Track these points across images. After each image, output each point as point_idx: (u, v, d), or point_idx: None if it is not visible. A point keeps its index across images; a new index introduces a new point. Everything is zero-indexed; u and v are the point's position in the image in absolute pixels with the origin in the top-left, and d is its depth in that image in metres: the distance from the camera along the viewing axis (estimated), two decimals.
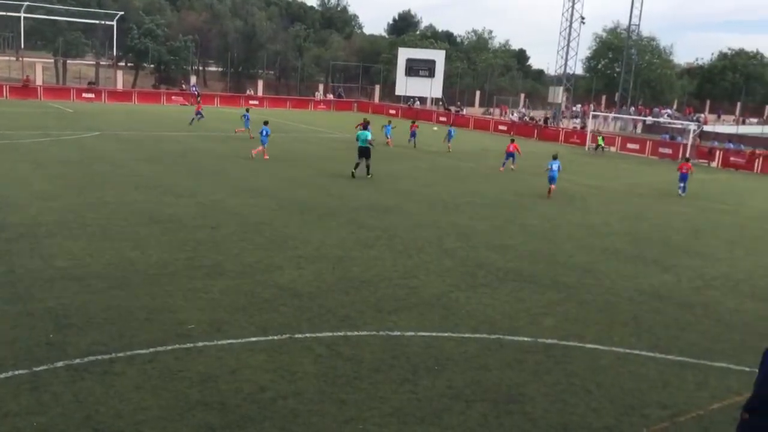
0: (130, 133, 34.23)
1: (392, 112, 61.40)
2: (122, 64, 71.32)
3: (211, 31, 72.22)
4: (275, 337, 9.62)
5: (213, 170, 23.91)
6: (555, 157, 23.86)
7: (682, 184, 26.12)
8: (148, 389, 7.89)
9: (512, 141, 30.48)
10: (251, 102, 61.30)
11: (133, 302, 10.57)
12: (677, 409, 8.36)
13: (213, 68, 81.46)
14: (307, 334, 9.80)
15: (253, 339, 9.51)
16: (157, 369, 8.42)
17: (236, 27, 71.76)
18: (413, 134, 37.05)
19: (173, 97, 58.56)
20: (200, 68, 78.03)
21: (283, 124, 44.89)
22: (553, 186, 23.33)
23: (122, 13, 63.31)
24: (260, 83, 68.17)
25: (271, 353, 9.10)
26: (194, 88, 61.21)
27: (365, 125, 25.21)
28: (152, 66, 69.87)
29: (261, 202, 18.90)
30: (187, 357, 8.82)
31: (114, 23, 61.71)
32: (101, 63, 65.98)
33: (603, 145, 42.14)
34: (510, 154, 29.68)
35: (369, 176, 24.14)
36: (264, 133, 27.37)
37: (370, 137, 24.32)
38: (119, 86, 60.27)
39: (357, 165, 24.32)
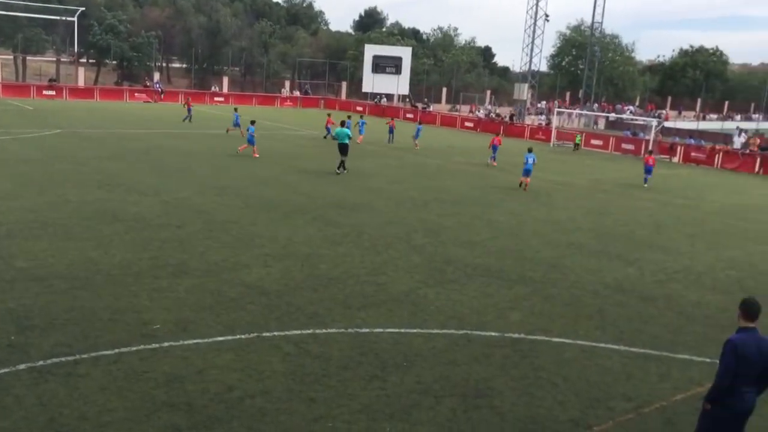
0: (92, 130, 33.62)
1: (359, 108, 61.24)
2: (84, 60, 70.00)
3: (174, 27, 71.23)
4: (242, 336, 9.55)
5: (178, 168, 23.61)
6: (530, 151, 24.65)
7: (646, 176, 27.71)
8: (113, 391, 7.77)
9: (497, 135, 32.44)
10: (216, 99, 60.71)
11: (97, 303, 10.40)
12: (641, 401, 8.51)
13: (177, 65, 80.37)
14: (275, 333, 9.75)
15: (220, 338, 9.42)
16: (122, 370, 8.30)
17: (200, 23, 70.90)
18: (391, 131, 37.40)
19: (136, 94, 57.68)
20: (164, 65, 76.94)
21: (249, 121, 44.48)
22: (527, 179, 24.08)
23: (83, 8, 62.08)
24: (225, 80, 67.49)
25: (239, 352, 9.03)
26: (158, 85, 60.36)
27: (343, 123, 26.00)
28: (114, 62, 68.69)
29: (227, 200, 18.73)
30: (152, 357, 8.70)
31: (75, 19, 60.53)
32: (62, 59, 64.66)
33: (580, 143, 42.32)
34: (496, 148, 30.67)
35: (344, 171, 24.69)
36: (250, 132, 27.78)
37: (350, 134, 25.20)
38: (81, 83, 59.15)
39: (342, 162, 24.91)
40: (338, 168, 24.80)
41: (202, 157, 26.62)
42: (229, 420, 7.34)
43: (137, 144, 29.34)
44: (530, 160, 24.01)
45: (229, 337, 9.47)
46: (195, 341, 9.27)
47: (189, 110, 41.13)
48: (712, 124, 68.47)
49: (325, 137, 36.81)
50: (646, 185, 27.58)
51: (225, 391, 7.94)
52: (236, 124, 34.15)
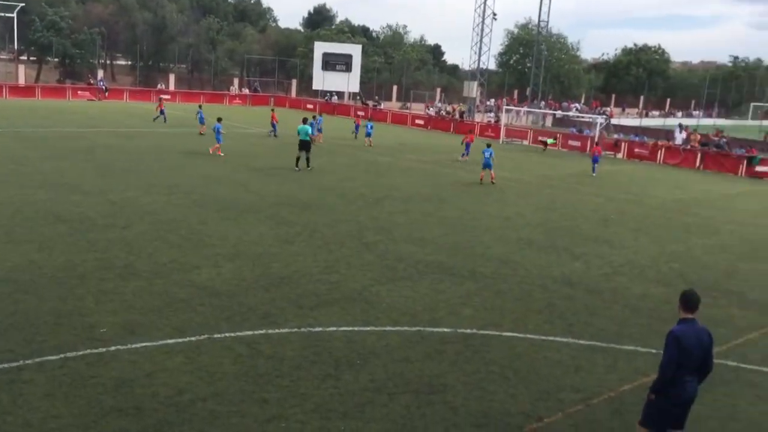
0: (33, 129, 32.60)
1: (310, 106, 60.94)
2: (24, 58, 67.78)
3: (118, 23, 69.49)
4: (193, 338, 9.41)
5: (123, 167, 23.10)
6: (488, 146, 26.25)
7: (594, 165, 30.32)
8: (59, 397, 7.57)
9: (470, 132, 34.02)
10: (163, 96, 59.49)
11: (41, 306, 10.11)
12: (590, 392, 8.71)
13: (121, 62, 78.52)
14: (227, 334, 9.64)
15: (170, 341, 9.27)
16: (68, 375, 8.09)
17: (145, 19, 69.33)
18: (357, 128, 38.11)
19: (79, 92, 56.15)
20: (108, 62, 75.09)
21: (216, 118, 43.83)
22: (486, 172, 25.33)
23: (23, 4, 60.08)
24: (172, 77, 66.24)
25: (189, 354, 8.89)
26: (102, 83, 58.88)
27: (305, 120, 26.41)
28: (56, 60, 66.70)
29: (175, 200, 18.41)
30: (99, 362, 8.51)
31: (14, 15, 58.52)
32: (1, 57, 62.47)
33: (548, 144, 41.28)
34: (468, 145, 31.90)
35: (309, 168, 24.97)
36: (217, 130, 27.54)
37: (310, 131, 25.63)
38: (21, 81, 57.22)
39: (298, 159, 25.11)
40: (297, 165, 25.01)
41: (150, 156, 26.10)
42: (180, 424, 7.22)
43: (81, 143, 28.58)
44: (487, 155, 25.22)
45: (179, 340, 9.32)
46: (143, 344, 9.09)
47: (161, 112, 39.62)
48: (654, 120, 70.37)
49: (269, 134, 36.44)
50: (594, 174, 29.77)
51: (175, 395, 7.81)
52: (201, 122, 34.30)
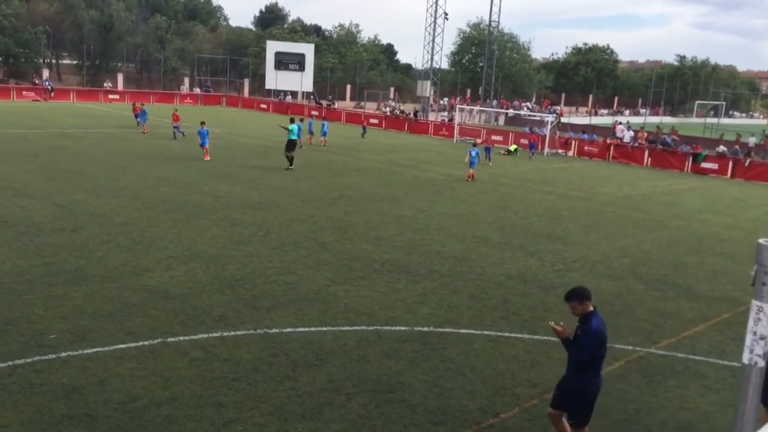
0: None
1: (263, 106, 60.45)
2: None
3: (64, 22, 67.68)
4: (146, 343, 9.23)
5: (71, 170, 22.51)
6: (474, 146, 28.57)
7: (532, 151, 35.64)
8: (7, 405, 7.35)
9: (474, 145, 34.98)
10: (111, 96, 58.25)
11: None
12: (545, 387, 8.83)
13: (68, 61, 76.49)
14: (181, 338, 9.48)
15: (122, 346, 9.07)
16: (17, 383, 7.85)
17: (92, 17, 67.68)
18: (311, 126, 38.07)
19: (24, 93, 54.53)
20: (53, 61, 73.09)
21: (148, 119, 42.99)
22: (472, 171, 26.75)
23: None
24: (120, 77, 64.90)
25: (142, 360, 8.72)
26: (47, 83, 57.29)
27: (293, 120, 27.42)
28: (0, 59, 64.67)
29: (125, 202, 18.03)
30: (49, 369, 8.28)
31: None
32: None
33: (512, 151, 41.12)
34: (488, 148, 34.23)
35: (291, 169, 25.55)
36: (203, 134, 26.94)
37: (297, 132, 26.84)
38: None
39: (289, 158, 25.76)
40: (291, 164, 25.66)
41: (98, 158, 25.50)
42: (134, 430, 7.08)
43: (26, 145, 27.77)
44: (473, 154, 27.03)
45: (132, 345, 9.14)
46: (95, 350, 8.88)
47: (137, 115, 36.84)
48: (603, 119, 71.83)
49: (175, 135, 33.48)
50: (489, 163, 32.59)
51: (129, 401, 7.65)
52: (144, 120, 33.80)
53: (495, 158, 35.51)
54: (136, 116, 37.35)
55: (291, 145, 25.92)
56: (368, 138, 41.02)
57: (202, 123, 27.84)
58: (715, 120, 62.43)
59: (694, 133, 49.88)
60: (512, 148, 40.44)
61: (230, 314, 10.50)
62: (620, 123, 47.75)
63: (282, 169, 25.45)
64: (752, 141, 43.17)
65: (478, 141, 35.41)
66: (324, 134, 35.56)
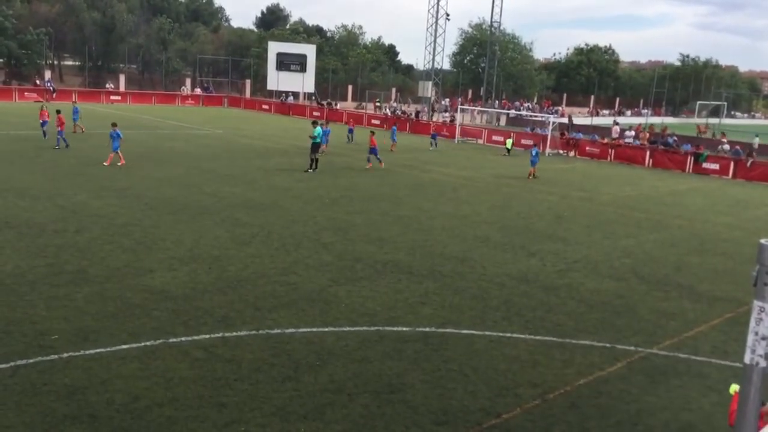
0: None
1: (265, 107, 60.46)
2: None
3: (66, 23, 67.75)
4: (148, 343, 9.24)
5: (73, 171, 22.53)
6: (535, 145, 31.47)
7: (433, 141, 37.44)
8: (10, 406, 7.35)
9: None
10: (113, 97, 58.33)
11: None
12: (547, 387, 8.84)
13: (70, 62, 76.56)
14: (183, 338, 9.49)
15: (124, 346, 9.08)
16: (19, 384, 7.86)
17: (94, 19, 67.76)
18: (351, 131, 38.50)
19: (26, 94, 54.59)
20: (55, 62, 73.16)
21: (149, 120, 43.08)
22: (533, 169, 28.69)
23: None
24: (122, 78, 64.93)
25: (144, 360, 8.73)
26: (49, 84, 57.36)
27: (315, 123, 27.27)
28: (2, 61, 64.72)
29: (128, 203, 18.05)
30: (51, 369, 8.29)
31: None
32: None
33: (510, 148, 40.90)
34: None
35: (312, 170, 25.83)
36: (115, 137, 24.04)
37: (320, 135, 26.77)
38: None
39: (315, 161, 26.14)
40: (311, 167, 25.93)
41: (98, 158, 25.47)
42: (136, 431, 7.09)
43: (28, 145, 27.79)
44: (533, 152, 29.07)
45: (134, 345, 9.14)
46: (97, 350, 8.89)
47: (44, 123, 30.02)
48: (604, 119, 71.77)
49: (48, 139, 29.06)
50: (432, 148, 36.81)
51: (131, 401, 7.66)
52: (75, 119, 32.34)
53: (495, 159, 35.50)
54: (43, 124, 29.98)
55: (315, 148, 26.22)
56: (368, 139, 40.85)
57: (113, 125, 24.58)
58: (716, 120, 62.30)
59: (695, 132, 49.88)
60: (509, 145, 39.83)
61: (232, 315, 10.51)
62: (616, 124, 48.00)
63: (284, 169, 25.45)
64: (756, 141, 43.12)
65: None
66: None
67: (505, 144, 40.36)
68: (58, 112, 29.06)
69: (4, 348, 8.76)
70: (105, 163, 23.94)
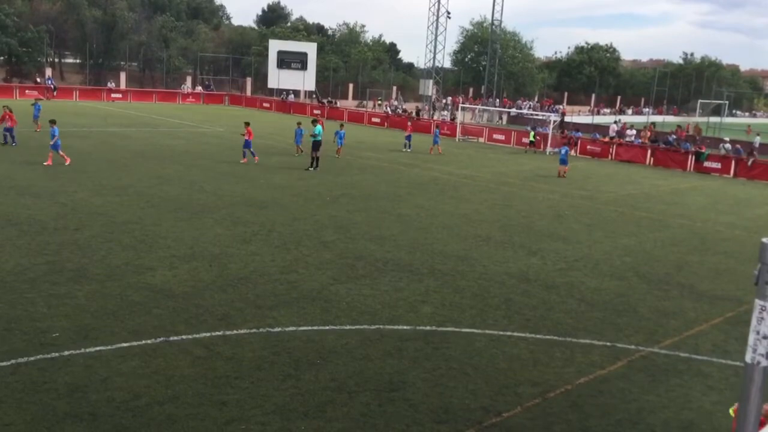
0: None
1: (266, 105, 60.46)
2: None
3: (67, 21, 67.74)
4: (149, 341, 9.24)
5: (73, 168, 22.53)
6: (565, 144, 31.73)
7: (407, 142, 35.01)
8: (10, 403, 7.36)
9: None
10: (114, 95, 58.33)
11: None
12: (547, 386, 8.83)
13: (70, 60, 76.55)
14: (184, 336, 9.49)
15: (125, 344, 9.09)
16: (20, 381, 7.86)
17: (95, 17, 67.74)
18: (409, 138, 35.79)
19: (27, 91, 54.59)
20: (56, 60, 73.15)
21: (150, 118, 43.09)
22: (564, 167, 29.12)
23: None
24: (123, 75, 64.93)
25: (145, 358, 8.73)
26: (50, 81, 57.37)
27: (314, 122, 27.11)
28: (2, 58, 64.71)
29: (128, 201, 18.05)
30: (52, 367, 8.29)
31: None
32: None
33: (533, 140, 39.63)
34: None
35: (315, 169, 25.82)
36: (53, 135, 22.68)
37: (320, 132, 26.51)
38: None
39: (316, 159, 26.11)
40: (312, 165, 25.90)
41: (99, 156, 25.53)
42: (136, 429, 7.09)
43: (29, 143, 27.76)
44: (563, 151, 29.46)
45: (135, 343, 9.15)
46: (98, 348, 8.89)
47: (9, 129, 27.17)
48: (605, 118, 71.73)
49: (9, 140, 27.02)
50: (406, 149, 34.53)
51: (131, 399, 7.66)
52: (35, 116, 31.99)
53: (496, 157, 35.49)
54: (7, 131, 27.29)
55: (316, 146, 26.14)
56: (370, 137, 40.97)
57: (52, 122, 23.23)
58: (717, 119, 62.23)
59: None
60: (532, 137, 39.44)
61: (233, 313, 10.51)
62: (614, 122, 48.27)
63: (284, 167, 25.45)
64: (757, 141, 43.10)
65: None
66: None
67: (529, 137, 40.18)
68: (7, 108, 27.79)
69: (4, 346, 8.76)
70: (45, 163, 22.69)
